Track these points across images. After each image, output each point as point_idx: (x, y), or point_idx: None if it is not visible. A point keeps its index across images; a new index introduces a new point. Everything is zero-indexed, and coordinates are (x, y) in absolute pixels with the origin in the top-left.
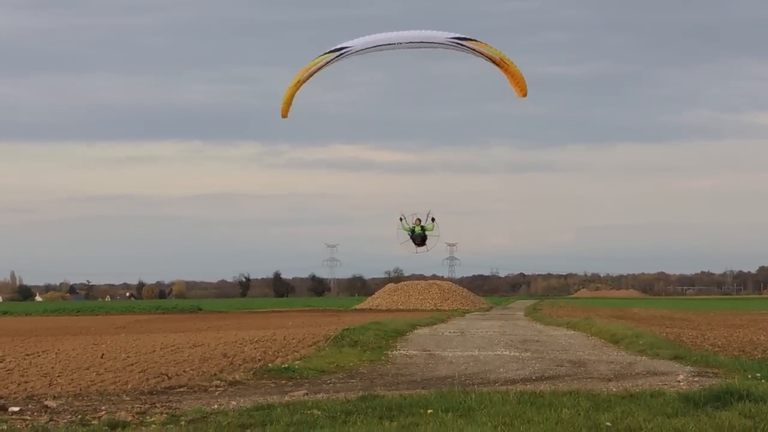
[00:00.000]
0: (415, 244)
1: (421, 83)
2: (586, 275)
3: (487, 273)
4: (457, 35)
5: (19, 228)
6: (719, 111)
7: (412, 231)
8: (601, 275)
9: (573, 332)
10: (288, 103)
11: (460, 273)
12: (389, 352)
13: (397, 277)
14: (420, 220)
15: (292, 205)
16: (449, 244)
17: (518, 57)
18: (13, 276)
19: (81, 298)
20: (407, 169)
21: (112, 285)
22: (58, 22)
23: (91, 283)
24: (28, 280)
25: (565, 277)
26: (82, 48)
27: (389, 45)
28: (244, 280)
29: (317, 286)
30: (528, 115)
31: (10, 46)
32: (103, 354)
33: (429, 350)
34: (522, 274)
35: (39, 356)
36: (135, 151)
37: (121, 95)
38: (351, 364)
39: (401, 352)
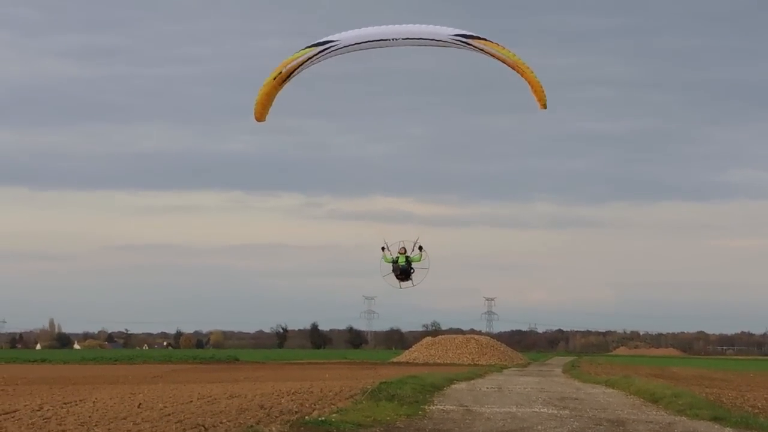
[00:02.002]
0: (397, 277)
1: (464, 136)
2: (625, 333)
3: (525, 328)
4: (463, 32)
5: (59, 275)
6: (763, 170)
7: (395, 262)
8: (641, 333)
9: (612, 390)
10: (263, 104)
11: (498, 328)
12: (426, 407)
13: (434, 331)
14: (405, 250)
15: (331, 257)
16: (487, 299)
17: (562, 112)
18: (51, 323)
19: (119, 347)
20: (448, 222)
21: (150, 334)
22: (103, 71)
23: (129, 332)
24: (67, 328)
25: (604, 334)
26: (127, 97)
27: (383, 41)
28: (281, 331)
29: (354, 339)
30: (571, 171)
31: (57, 95)
32: (140, 404)
33: (466, 406)
34: (560, 330)
35: (76, 405)
36: (177, 200)
37: (164, 145)
38: (388, 418)
39: (438, 407)
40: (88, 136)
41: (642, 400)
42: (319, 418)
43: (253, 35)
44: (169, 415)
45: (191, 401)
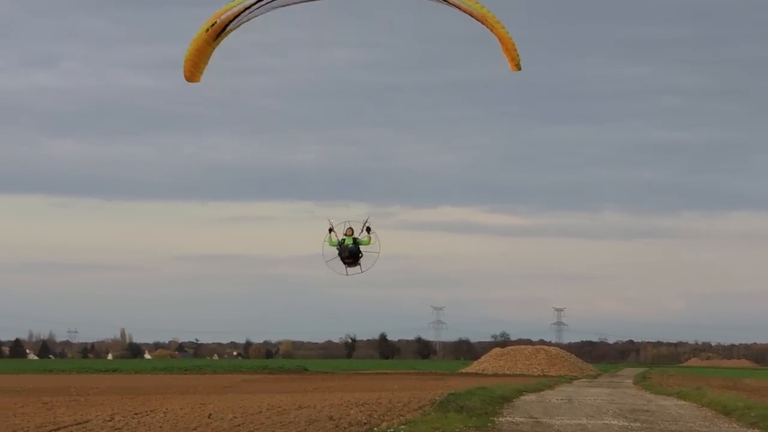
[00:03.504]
0: (343, 260)
1: (533, 146)
2: (697, 344)
3: (595, 339)
4: None
5: (130, 286)
6: None
7: (341, 244)
8: (713, 344)
9: (683, 402)
10: (193, 61)
11: (567, 338)
12: (495, 419)
13: (503, 342)
14: (352, 230)
15: (400, 267)
16: (557, 309)
17: (633, 122)
18: (123, 333)
19: (189, 357)
20: (517, 232)
21: (220, 344)
22: (174, 83)
23: (199, 342)
24: (138, 338)
25: (676, 345)
26: (198, 108)
27: None
28: (350, 341)
29: (423, 349)
30: (641, 181)
31: (127, 106)
32: (210, 414)
33: (536, 417)
34: (631, 341)
35: (147, 415)
36: (246, 210)
37: (234, 155)
38: (457, 429)
39: (508, 418)
40: (158, 147)
41: (714, 412)
42: (388, 430)
43: (323, 45)
44: (239, 425)
45: (261, 412)
